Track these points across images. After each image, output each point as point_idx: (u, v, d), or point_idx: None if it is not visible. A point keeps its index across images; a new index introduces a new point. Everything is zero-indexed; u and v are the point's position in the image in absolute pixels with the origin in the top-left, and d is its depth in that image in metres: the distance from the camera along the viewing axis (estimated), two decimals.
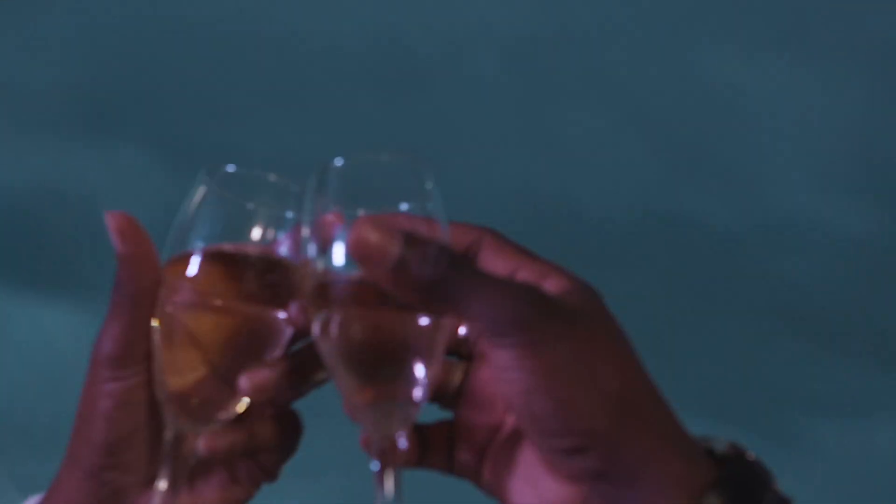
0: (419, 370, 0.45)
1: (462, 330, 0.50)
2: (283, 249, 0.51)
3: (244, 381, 0.49)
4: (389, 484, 0.45)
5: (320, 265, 0.46)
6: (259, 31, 1.38)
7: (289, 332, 0.51)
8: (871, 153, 1.33)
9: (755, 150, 1.35)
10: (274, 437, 0.53)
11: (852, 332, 1.28)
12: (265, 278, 0.50)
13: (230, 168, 0.51)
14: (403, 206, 0.46)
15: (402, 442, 0.45)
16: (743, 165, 1.31)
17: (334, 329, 0.45)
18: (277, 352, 0.51)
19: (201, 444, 0.51)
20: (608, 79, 1.24)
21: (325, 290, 0.45)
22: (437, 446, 0.50)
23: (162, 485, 0.50)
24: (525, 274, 0.46)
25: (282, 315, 0.50)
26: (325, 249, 0.46)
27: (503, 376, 0.44)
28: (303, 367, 0.50)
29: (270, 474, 0.54)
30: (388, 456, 0.45)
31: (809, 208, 1.32)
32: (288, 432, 0.53)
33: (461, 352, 0.51)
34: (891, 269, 1.33)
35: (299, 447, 0.55)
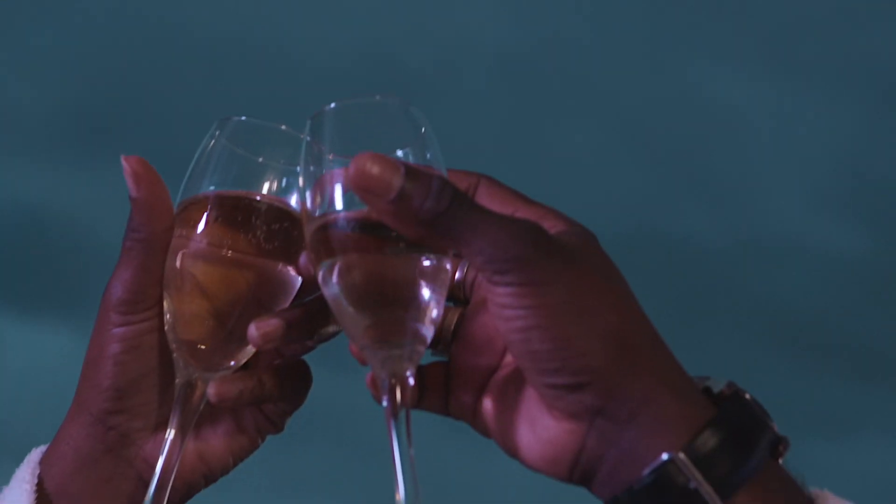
0: (424, 307, 0.46)
1: (458, 274, 0.51)
2: (293, 200, 0.51)
3: (253, 330, 0.49)
4: (399, 422, 0.45)
5: (320, 211, 0.46)
6: (253, 48, 1.40)
7: (298, 282, 0.52)
8: (862, 173, 1.35)
9: (747, 169, 1.37)
10: (282, 387, 0.53)
11: (843, 350, 1.29)
12: (275, 228, 0.51)
13: (241, 118, 0.52)
14: (400, 153, 0.47)
15: (411, 380, 0.46)
16: (734, 183, 1.33)
17: (337, 271, 0.45)
18: (287, 302, 0.52)
19: (210, 390, 0.51)
20: (601, 95, 1.26)
21: (326, 235, 0.46)
22: (433, 388, 0.50)
23: (171, 431, 0.50)
24: (522, 216, 0.47)
25: (291, 266, 0.51)
26: (323, 195, 0.46)
27: (502, 314, 0.45)
28: (312, 318, 0.51)
29: (276, 425, 0.55)
30: (397, 394, 0.45)
31: (800, 227, 1.33)
32: (296, 383, 0.54)
33: (456, 296, 0.52)
34: (881, 287, 1.35)
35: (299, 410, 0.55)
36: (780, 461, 0.46)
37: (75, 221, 1.49)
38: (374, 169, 0.43)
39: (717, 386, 0.47)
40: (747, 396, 0.46)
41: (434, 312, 0.46)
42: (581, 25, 1.18)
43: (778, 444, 0.46)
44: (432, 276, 0.46)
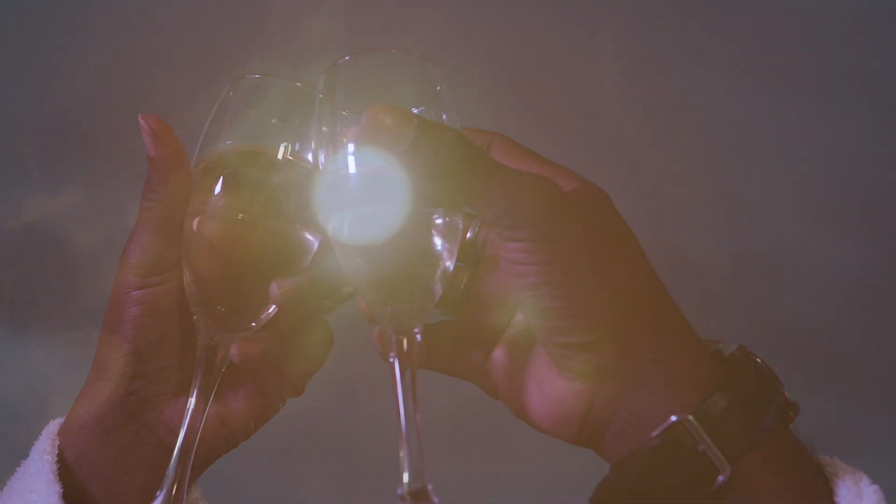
0: (434, 264, 0.45)
1: (469, 234, 0.51)
2: (310, 158, 0.51)
3: (274, 288, 0.49)
4: (406, 380, 0.45)
5: (332, 167, 0.46)
6: (248, 62, 1.40)
7: (316, 242, 0.51)
8: (864, 187, 1.34)
9: (745, 182, 1.36)
10: (304, 347, 0.53)
11: (843, 367, 1.28)
12: (292, 188, 0.50)
13: (255, 77, 0.51)
14: (416, 112, 0.46)
15: (418, 336, 0.46)
16: (732, 197, 1.32)
17: (347, 227, 0.45)
18: (306, 261, 0.51)
19: (233, 350, 0.51)
20: (598, 107, 1.26)
21: (337, 190, 0.46)
22: (441, 348, 0.50)
23: (194, 394, 0.50)
24: (537, 173, 0.47)
25: (309, 225, 0.50)
26: (336, 151, 0.46)
27: (514, 270, 0.44)
28: (331, 277, 0.50)
29: (297, 388, 0.54)
30: (405, 351, 0.45)
31: (800, 241, 1.32)
32: (317, 343, 0.53)
33: (467, 256, 0.51)
34: (883, 304, 1.33)
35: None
36: (790, 427, 0.45)
37: (67, 237, 1.48)
38: (387, 120, 0.42)
39: (729, 349, 0.46)
40: (758, 360, 0.46)
41: (443, 270, 0.46)
42: (579, 37, 1.18)
43: (788, 410, 0.45)
44: (443, 234, 0.46)
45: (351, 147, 0.45)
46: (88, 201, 1.37)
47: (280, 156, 0.51)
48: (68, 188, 1.40)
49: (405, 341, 0.45)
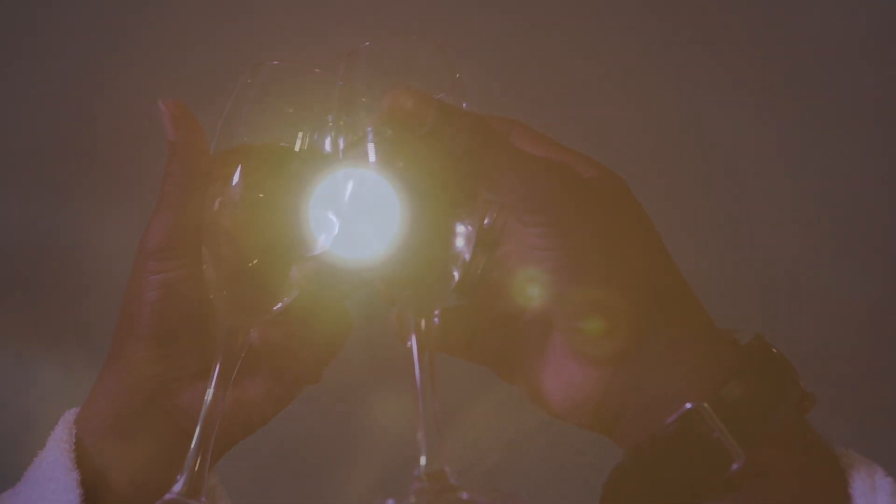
0: (452, 248, 0.46)
1: (486, 220, 0.51)
2: (327, 144, 0.51)
3: (295, 271, 0.49)
4: (424, 362, 0.45)
5: (351, 152, 0.46)
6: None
7: (336, 226, 0.51)
8: (868, 214, 1.33)
9: (748, 209, 1.35)
10: (322, 332, 0.52)
11: (848, 394, 1.27)
12: (311, 173, 0.50)
13: (273, 63, 0.51)
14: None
15: (436, 320, 0.46)
16: (735, 224, 1.31)
17: (366, 212, 0.46)
18: (326, 246, 0.51)
19: (254, 334, 0.51)
20: (602, 127, 1.26)
21: (356, 176, 0.46)
22: (456, 332, 0.50)
23: (214, 378, 0.50)
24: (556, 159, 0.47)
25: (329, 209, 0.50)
26: (355, 137, 0.46)
27: (532, 255, 0.44)
28: (351, 261, 0.49)
29: (314, 375, 0.54)
30: (423, 333, 0.45)
31: (801, 267, 1.32)
32: (336, 328, 0.53)
33: (484, 242, 0.51)
34: (887, 331, 1.33)
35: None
36: (806, 418, 0.45)
37: (72, 255, 1.49)
38: (408, 103, 0.43)
39: (745, 338, 0.46)
40: (774, 350, 0.46)
41: (461, 254, 0.46)
42: (580, 56, 1.18)
43: (804, 400, 0.45)
44: (462, 218, 0.46)
45: (370, 133, 0.45)
46: (97, 215, 1.38)
47: (298, 142, 0.51)
48: (77, 202, 1.40)
49: (423, 323, 0.45)
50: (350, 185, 0.46)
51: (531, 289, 0.48)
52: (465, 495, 0.41)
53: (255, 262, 0.50)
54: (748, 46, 1.24)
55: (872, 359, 1.21)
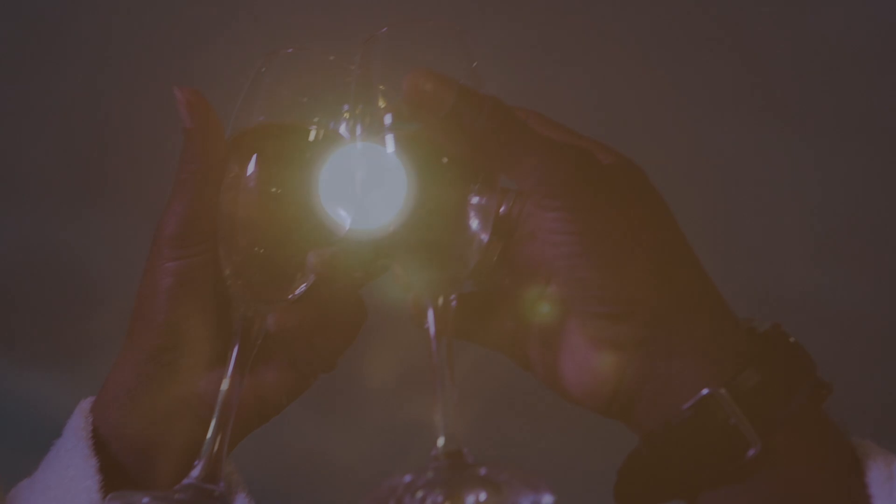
0: (470, 232, 0.46)
1: (502, 208, 0.51)
2: (342, 130, 0.51)
3: (312, 257, 0.49)
4: (441, 346, 0.45)
5: (369, 135, 0.46)
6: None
7: (352, 213, 0.50)
8: (871, 225, 1.33)
9: (751, 221, 1.35)
10: (337, 320, 0.52)
11: (852, 406, 1.26)
12: (328, 158, 0.50)
13: (288, 51, 0.51)
14: None
15: (454, 303, 0.46)
16: (738, 236, 1.31)
17: (385, 194, 0.45)
18: (342, 232, 0.51)
19: (270, 320, 0.51)
20: (598, 134, 1.26)
21: (375, 158, 0.46)
22: (470, 317, 0.50)
23: (231, 365, 0.50)
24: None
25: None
26: (373, 120, 0.46)
27: (549, 240, 0.44)
28: (367, 248, 0.49)
29: (328, 363, 0.54)
30: (441, 317, 0.45)
31: (808, 282, 1.31)
32: (351, 316, 0.53)
33: (500, 229, 0.51)
34: (890, 342, 1.32)
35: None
36: (822, 407, 0.45)
37: (72, 268, 1.49)
38: (428, 85, 0.43)
39: (763, 326, 0.46)
40: (791, 339, 0.46)
41: (478, 238, 0.46)
42: (587, 79, 1.17)
43: (821, 389, 0.45)
44: (479, 203, 0.46)
45: (388, 116, 0.45)
46: (104, 229, 1.38)
47: (314, 128, 0.51)
48: (85, 216, 1.40)
49: (441, 307, 0.45)
50: (368, 167, 0.46)
51: (547, 274, 0.48)
52: (483, 471, 0.41)
53: (270, 249, 0.50)
54: (740, 54, 1.24)
55: (867, 364, 1.21)
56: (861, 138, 1.26)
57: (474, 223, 0.46)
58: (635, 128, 1.24)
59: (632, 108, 1.23)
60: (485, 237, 0.46)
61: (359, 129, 0.47)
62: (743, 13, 1.22)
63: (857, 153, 1.26)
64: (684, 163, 1.27)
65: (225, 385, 0.49)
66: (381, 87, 0.46)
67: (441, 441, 0.43)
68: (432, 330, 0.45)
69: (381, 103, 0.46)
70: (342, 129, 0.51)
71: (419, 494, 0.40)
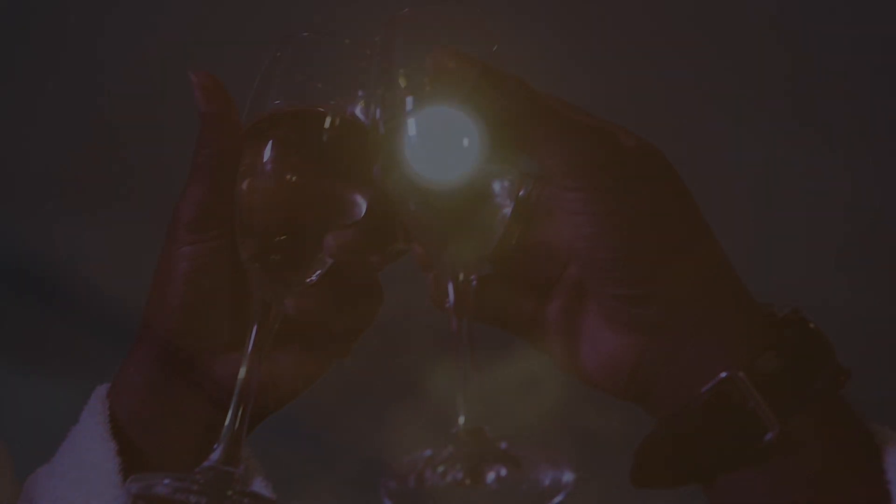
0: (490, 213, 0.46)
1: (521, 192, 0.51)
2: (358, 112, 0.51)
3: (330, 240, 0.49)
4: (462, 325, 0.45)
5: (392, 115, 0.46)
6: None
7: (369, 197, 0.51)
8: (885, 232, 1.32)
9: (765, 227, 1.34)
10: (354, 304, 0.52)
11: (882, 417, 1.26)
12: (343, 143, 0.50)
13: (304, 35, 0.51)
14: None
15: (474, 283, 0.46)
16: (752, 242, 1.30)
17: (408, 171, 0.45)
18: (359, 216, 0.50)
19: (288, 303, 0.50)
20: None
21: (395, 147, 0.46)
22: (488, 300, 0.50)
23: (249, 348, 0.49)
24: None
25: (362, 179, 0.50)
26: (395, 101, 0.46)
27: (570, 220, 0.44)
28: (384, 230, 0.50)
29: (344, 350, 0.54)
30: (461, 296, 0.45)
31: (817, 288, 1.30)
32: (368, 300, 0.53)
33: (517, 214, 0.51)
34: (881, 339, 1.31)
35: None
36: (841, 392, 0.45)
37: (72, 274, 1.48)
38: (451, 63, 0.43)
39: (783, 311, 0.46)
40: (811, 324, 0.45)
41: (501, 216, 0.46)
42: (597, 85, 1.17)
43: (839, 374, 0.45)
44: (500, 185, 0.46)
45: (410, 98, 0.45)
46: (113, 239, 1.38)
47: (331, 112, 0.50)
48: (93, 227, 1.40)
49: (462, 287, 0.45)
50: (392, 146, 0.46)
51: (566, 256, 0.48)
52: (503, 445, 0.41)
53: (288, 233, 0.50)
54: (765, 60, 1.24)
55: (870, 368, 1.21)
56: (888, 146, 1.25)
57: (497, 200, 0.46)
58: (656, 133, 1.24)
59: (652, 113, 1.23)
60: (508, 208, 0.46)
61: (378, 111, 0.47)
62: (766, 16, 1.21)
63: (882, 160, 1.26)
64: (706, 170, 1.28)
65: (243, 369, 0.49)
66: (401, 69, 0.46)
67: (462, 419, 0.43)
68: (453, 309, 0.45)
69: (402, 83, 0.46)
70: (358, 111, 0.51)
71: (440, 469, 0.40)
